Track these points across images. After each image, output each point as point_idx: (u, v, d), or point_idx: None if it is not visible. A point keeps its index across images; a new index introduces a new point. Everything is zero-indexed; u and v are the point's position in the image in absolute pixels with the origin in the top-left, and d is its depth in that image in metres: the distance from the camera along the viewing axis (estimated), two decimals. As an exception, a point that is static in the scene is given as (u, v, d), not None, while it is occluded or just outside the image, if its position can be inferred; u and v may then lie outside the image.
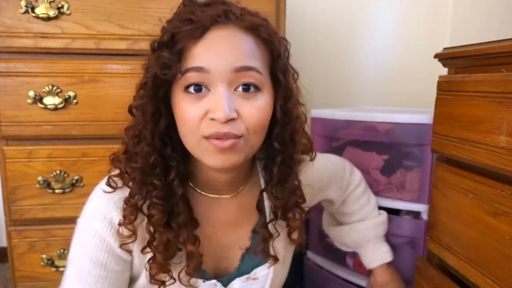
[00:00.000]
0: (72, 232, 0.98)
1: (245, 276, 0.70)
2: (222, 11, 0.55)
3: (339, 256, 1.12)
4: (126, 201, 0.59)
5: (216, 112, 0.53)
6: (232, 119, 0.54)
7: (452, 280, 0.78)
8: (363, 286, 1.06)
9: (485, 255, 0.69)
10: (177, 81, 0.55)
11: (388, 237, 1.04)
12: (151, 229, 0.59)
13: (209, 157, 0.56)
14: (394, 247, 1.04)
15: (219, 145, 0.54)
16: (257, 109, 0.56)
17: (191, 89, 0.55)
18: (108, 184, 0.60)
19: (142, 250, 0.60)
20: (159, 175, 0.58)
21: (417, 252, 0.97)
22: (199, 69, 0.53)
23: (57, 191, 0.97)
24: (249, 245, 0.70)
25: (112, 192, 0.59)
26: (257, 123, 0.56)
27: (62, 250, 1.00)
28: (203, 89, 0.55)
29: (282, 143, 0.63)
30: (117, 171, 0.62)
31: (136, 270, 0.64)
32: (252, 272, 0.71)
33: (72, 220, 0.98)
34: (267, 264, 0.71)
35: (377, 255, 0.90)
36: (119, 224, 0.58)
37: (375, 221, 0.92)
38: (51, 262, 1.00)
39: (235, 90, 0.55)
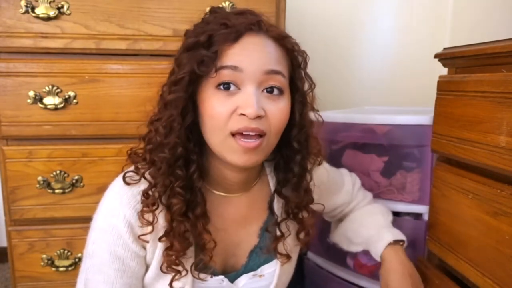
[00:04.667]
0: (72, 232, 0.99)
1: (252, 273, 0.72)
2: (256, 20, 0.61)
3: (339, 256, 1.12)
4: (145, 192, 0.62)
5: (246, 108, 0.57)
6: (259, 117, 0.58)
7: (452, 280, 0.78)
8: (363, 286, 1.05)
9: (485, 255, 0.69)
10: (210, 78, 0.59)
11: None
12: (170, 218, 0.62)
13: (233, 155, 0.60)
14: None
15: (245, 145, 0.58)
16: (280, 110, 0.61)
17: (223, 86, 0.59)
18: (126, 180, 0.63)
19: (160, 239, 0.63)
20: (181, 167, 0.62)
21: (418, 253, 0.97)
22: (233, 68, 0.58)
23: (57, 191, 0.97)
24: (257, 243, 0.73)
25: (133, 184, 0.63)
26: (279, 124, 0.62)
27: (62, 250, 1.00)
28: (234, 87, 0.59)
29: (300, 144, 0.68)
30: (132, 167, 0.65)
31: (147, 262, 0.66)
32: (259, 270, 0.73)
33: (72, 220, 0.99)
34: (273, 262, 0.74)
35: (382, 239, 0.83)
36: (141, 211, 0.61)
37: (380, 207, 0.91)
38: (51, 262, 1.00)
39: (262, 91, 0.60)
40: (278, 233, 0.71)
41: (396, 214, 1.01)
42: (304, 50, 0.67)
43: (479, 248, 0.71)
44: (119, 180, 0.64)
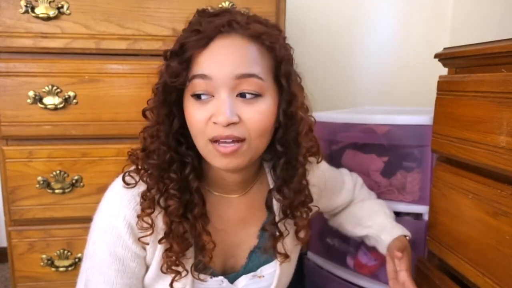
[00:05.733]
0: (72, 232, 0.99)
1: (251, 274, 0.72)
2: (226, 21, 0.58)
3: (339, 256, 1.12)
4: (143, 195, 0.62)
5: (218, 116, 0.57)
6: (234, 123, 0.57)
7: (452, 280, 0.78)
8: (363, 286, 1.05)
9: (485, 255, 0.69)
10: (186, 87, 0.60)
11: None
12: (168, 220, 0.62)
13: (214, 159, 0.60)
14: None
15: (222, 150, 0.58)
16: (258, 113, 0.59)
17: (196, 95, 0.59)
18: (125, 181, 0.63)
19: (160, 241, 0.63)
20: (175, 170, 0.63)
21: (418, 253, 0.97)
22: (203, 76, 0.57)
23: (57, 191, 0.97)
24: (256, 244, 0.73)
25: (131, 187, 0.63)
26: (259, 127, 0.59)
27: (62, 250, 1.00)
28: (207, 95, 0.59)
29: (286, 146, 0.66)
30: (132, 168, 0.65)
31: (147, 263, 0.67)
32: (258, 270, 0.73)
33: (72, 220, 0.99)
34: (273, 262, 0.73)
35: (397, 228, 0.84)
36: (138, 217, 0.61)
37: (388, 205, 0.93)
38: (51, 262, 1.00)
39: (237, 95, 0.59)
40: (277, 232, 0.71)
41: (396, 214, 1.01)
42: (288, 44, 0.64)
43: (479, 248, 0.71)
44: (119, 180, 0.64)
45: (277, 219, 0.71)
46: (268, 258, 0.73)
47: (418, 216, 1.01)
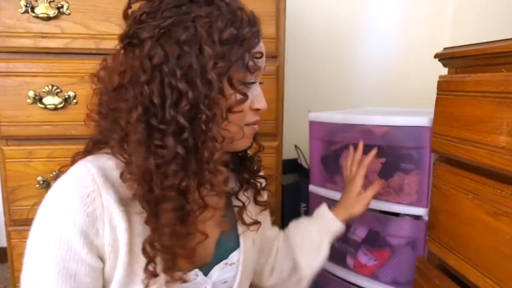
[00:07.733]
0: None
1: (223, 262, 0.71)
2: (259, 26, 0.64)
3: (339, 256, 1.12)
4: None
5: (260, 102, 0.64)
6: None
7: (452, 280, 0.78)
8: (363, 286, 1.05)
9: (485, 255, 0.69)
10: (236, 74, 0.59)
11: (389, 238, 1.04)
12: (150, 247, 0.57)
13: (246, 140, 0.67)
14: (394, 248, 1.03)
15: (256, 128, 0.67)
16: None
17: (248, 83, 0.63)
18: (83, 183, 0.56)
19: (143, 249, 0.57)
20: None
21: (418, 253, 0.97)
22: (259, 68, 0.63)
23: (56, 191, 0.97)
24: (221, 230, 0.72)
25: (81, 179, 0.56)
26: None
27: (61, 250, 1.00)
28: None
29: None
30: (87, 157, 0.63)
31: (108, 276, 0.58)
32: (229, 257, 0.72)
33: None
34: (240, 249, 0.74)
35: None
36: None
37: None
38: (50, 262, 1.00)
39: None
40: (239, 203, 0.74)
41: (396, 214, 1.01)
42: None
43: (479, 248, 0.71)
44: (63, 181, 0.57)
45: (239, 190, 0.75)
46: (234, 245, 0.74)
47: (416, 217, 1.01)
